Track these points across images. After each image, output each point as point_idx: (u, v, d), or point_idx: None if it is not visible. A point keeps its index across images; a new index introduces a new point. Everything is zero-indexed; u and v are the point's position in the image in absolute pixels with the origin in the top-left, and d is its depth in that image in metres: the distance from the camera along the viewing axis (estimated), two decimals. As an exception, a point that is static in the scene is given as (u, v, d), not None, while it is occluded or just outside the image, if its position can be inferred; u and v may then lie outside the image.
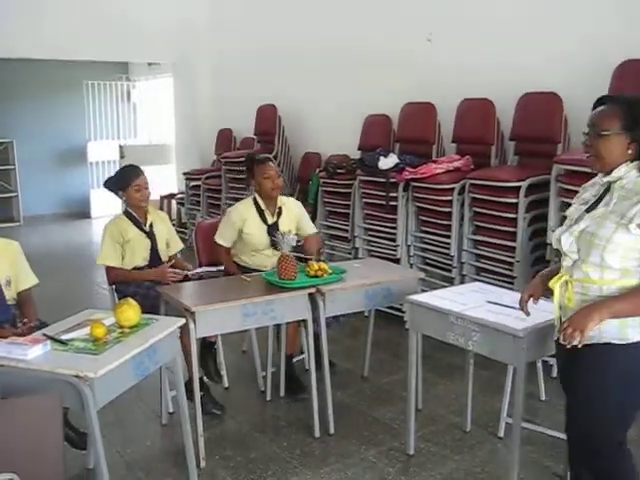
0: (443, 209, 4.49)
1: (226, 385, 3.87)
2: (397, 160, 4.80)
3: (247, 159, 3.95)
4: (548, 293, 2.21)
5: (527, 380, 2.53)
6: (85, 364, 2.24)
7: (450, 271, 4.53)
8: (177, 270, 3.56)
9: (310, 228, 3.94)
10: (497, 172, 4.36)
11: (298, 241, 3.51)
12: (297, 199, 4.25)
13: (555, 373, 3.65)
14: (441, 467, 3.00)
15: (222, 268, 3.77)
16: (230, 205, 4.64)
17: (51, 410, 1.99)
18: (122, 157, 9.52)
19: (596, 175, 2.14)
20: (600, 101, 2.07)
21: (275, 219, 3.79)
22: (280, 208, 3.82)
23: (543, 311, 2.56)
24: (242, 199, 4.00)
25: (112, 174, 3.90)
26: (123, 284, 3.55)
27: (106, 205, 8.58)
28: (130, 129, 10.61)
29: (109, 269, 3.58)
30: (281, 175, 3.95)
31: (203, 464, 3.02)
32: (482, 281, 3.66)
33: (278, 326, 3.60)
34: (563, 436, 2.79)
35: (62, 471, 1.98)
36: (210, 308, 2.97)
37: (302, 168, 6.65)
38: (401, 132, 5.27)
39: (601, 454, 2.07)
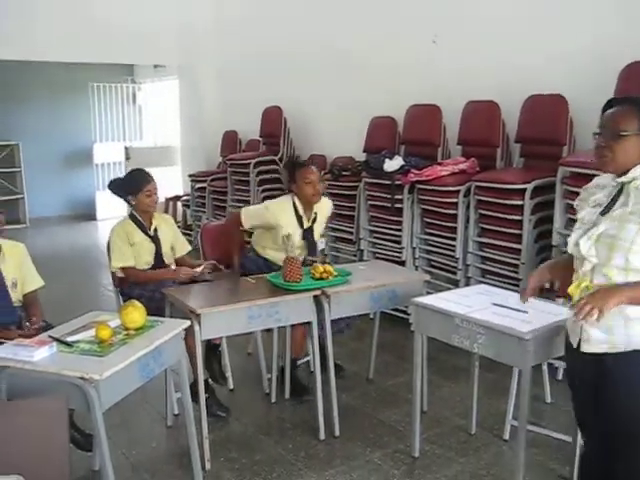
0: (448, 211, 4.48)
1: (231, 387, 3.87)
2: (402, 162, 4.80)
3: (288, 163, 3.91)
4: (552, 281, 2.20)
5: (532, 382, 2.53)
6: (91, 366, 2.25)
7: (455, 273, 4.52)
8: (189, 269, 3.56)
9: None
10: (502, 174, 4.36)
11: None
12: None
13: (560, 375, 3.65)
14: (446, 469, 3.00)
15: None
16: (235, 207, 4.63)
17: (57, 412, 1.99)
18: (128, 159, 9.57)
19: (595, 176, 2.12)
20: (609, 103, 2.05)
21: (310, 224, 3.78)
22: (316, 214, 3.80)
23: (548, 313, 2.56)
24: (248, 200, 3.95)
25: (117, 176, 3.89)
26: (136, 285, 3.55)
27: (112, 207, 8.54)
28: (136, 131, 10.63)
29: (126, 270, 3.58)
30: (323, 180, 3.85)
31: (208, 466, 3.02)
32: (487, 283, 3.65)
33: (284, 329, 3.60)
34: (568, 439, 2.80)
35: (68, 473, 1.98)
36: (215, 310, 2.97)
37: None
38: (406, 134, 5.26)
39: None
